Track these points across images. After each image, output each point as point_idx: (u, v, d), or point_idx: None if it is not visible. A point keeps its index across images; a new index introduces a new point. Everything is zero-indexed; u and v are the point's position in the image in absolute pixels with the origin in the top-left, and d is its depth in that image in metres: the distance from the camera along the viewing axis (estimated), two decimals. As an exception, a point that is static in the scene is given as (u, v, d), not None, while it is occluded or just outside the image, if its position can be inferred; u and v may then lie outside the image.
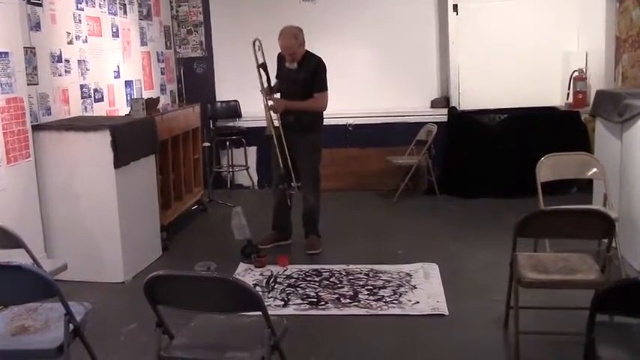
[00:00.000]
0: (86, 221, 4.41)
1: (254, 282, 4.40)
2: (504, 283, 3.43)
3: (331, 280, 4.41)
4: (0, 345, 2.53)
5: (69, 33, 5.00)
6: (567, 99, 6.98)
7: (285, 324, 2.57)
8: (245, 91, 7.11)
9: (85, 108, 5.24)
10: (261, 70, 5.01)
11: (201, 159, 6.58)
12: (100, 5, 5.55)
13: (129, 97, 6.02)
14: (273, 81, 5.17)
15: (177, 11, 7.47)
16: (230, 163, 7.36)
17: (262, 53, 5.02)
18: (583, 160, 4.42)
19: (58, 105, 4.81)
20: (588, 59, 6.86)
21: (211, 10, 7.49)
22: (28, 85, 4.34)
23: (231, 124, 7.43)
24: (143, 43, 6.54)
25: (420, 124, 6.97)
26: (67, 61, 4.96)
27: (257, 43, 4.98)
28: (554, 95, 7.16)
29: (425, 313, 3.81)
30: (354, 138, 7.27)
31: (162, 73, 7.09)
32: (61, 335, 2.50)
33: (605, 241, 3.25)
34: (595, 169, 4.33)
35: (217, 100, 7.52)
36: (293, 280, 4.44)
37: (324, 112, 5.15)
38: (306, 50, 5.02)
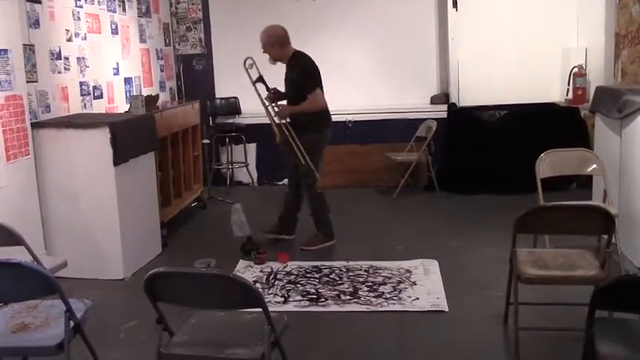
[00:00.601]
0: (86, 218, 4.41)
1: (254, 279, 4.40)
2: (504, 279, 3.44)
3: (331, 276, 4.41)
4: (0, 342, 2.53)
5: (68, 30, 4.99)
6: (567, 95, 6.97)
7: (286, 320, 2.57)
8: (244, 87, 7.07)
9: (85, 105, 5.23)
10: (257, 85, 5.01)
11: (200, 156, 6.58)
12: (99, 2, 5.55)
13: (128, 94, 6.01)
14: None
15: (176, 8, 7.46)
16: (229, 160, 7.36)
17: (256, 68, 5.01)
18: (583, 157, 4.42)
19: (58, 102, 4.80)
20: (588, 55, 6.86)
21: (210, 7, 7.48)
22: (27, 82, 4.34)
23: (230, 120, 7.43)
24: (142, 40, 6.53)
25: (420, 121, 6.97)
26: (67, 58, 4.96)
27: (248, 61, 4.96)
28: (553, 91, 7.16)
29: (425, 309, 3.81)
30: (353, 134, 7.27)
31: (162, 70, 7.09)
32: (61, 332, 2.50)
33: (605, 237, 3.25)
34: (594, 165, 4.33)
35: (217, 96, 7.52)
36: (293, 276, 4.44)
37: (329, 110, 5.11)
38: (296, 50, 5.00)
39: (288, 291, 4.17)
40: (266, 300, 3.48)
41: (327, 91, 6.70)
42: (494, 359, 3.23)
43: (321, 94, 4.93)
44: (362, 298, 4.01)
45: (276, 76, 5.13)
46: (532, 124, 6.62)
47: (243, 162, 7.39)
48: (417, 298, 3.97)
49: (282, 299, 4.04)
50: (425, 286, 4.17)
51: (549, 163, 4.27)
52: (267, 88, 5.05)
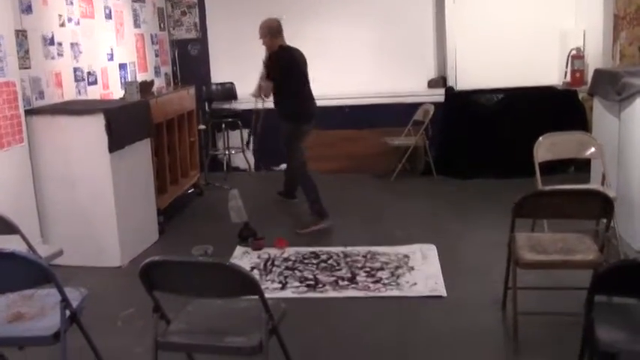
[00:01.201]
0: (82, 206, 4.39)
1: (251, 265, 4.39)
2: (502, 263, 3.43)
3: (329, 262, 4.40)
4: (-4, 332, 2.52)
5: (60, 15, 4.93)
6: (565, 78, 6.93)
7: (283, 307, 2.56)
8: (240, 72, 7.07)
9: (79, 91, 5.19)
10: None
11: (197, 142, 6.54)
12: (91, -13, 5.48)
13: (123, 80, 5.96)
14: None
15: (170, -8, 7.38)
16: (226, 146, 7.32)
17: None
18: (581, 140, 4.40)
19: (51, 89, 4.76)
20: (586, 37, 6.81)
21: (205, -9, 7.40)
22: (20, 68, 4.30)
23: (226, 106, 7.38)
24: (137, 25, 6.46)
25: (417, 105, 6.93)
26: (60, 44, 4.90)
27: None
28: (551, 74, 7.11)
29: (423, 294, 3.81)
30: (350, 119, 7.22)
31: (157, 56, 7.03)
32: (57, 322, 2.48)
33: (604, 221, 3.24)
34: (593, 149, 4.31)
35: (212, 82, 7.46)
36: (291, 262, 4.43)
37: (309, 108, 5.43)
38: (282, 45, 5.34)
39: (286, 277, 4.16)
40: (263, 286, 3.49)
41: (324, 75, 6.68)
42: (492, 344, 3.23)
43: (271, 86, 5.26)
44: (360, 284, 4.00)
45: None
46: (530, 107, 6.59)
47: (240, 147, 7.35)
48: (415, 284, 3.96)
49: (280, 285, 4.03)
50: (423, 271, 4.16)
51: (547, 147, 4.25)
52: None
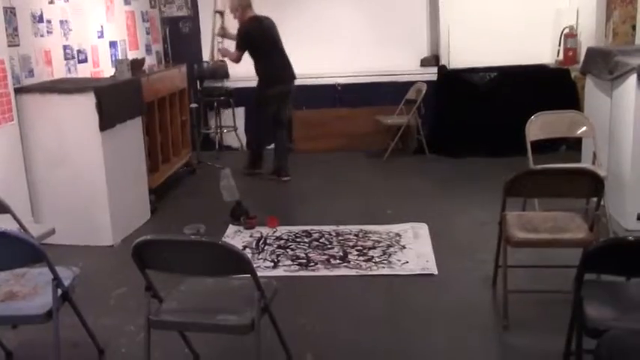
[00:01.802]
0: (73, 184, 4.37)
1: (244, 244, 4.40)
2: (493, 242, 3.45)
3: (321, 241, 4.41)
4: (-12, 311, 2.52)
5: (50, -8, 4.87)
6: (557, 56, 6.93)
7: (275, 285, 2.57)
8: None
9: (69, 69, 5.14)
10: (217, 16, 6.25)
11: (188, 120, 6.51)
12: (81, -37, 5.40)
13: (113, 58, 5.91)
14: None
15: (161, -32, 7.29)
16: (218, 125, 7.29)
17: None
18: (573, 119, 4.40)
19: (41, 67, 4.71)
20: (579, 16, 6.79)
21: (196, -32, 7.32)
22: (8, 46, 4.25)
23: (218, 84, 7.32)
24: (127, 2, 6.39)
25: (410, 84, 6.92)
26: (49, 21, 4.84)
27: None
28: (544, 52, 7.10)
29: (414, 272, 3.83)
30: (343, 98, 7.21)
31: (148, 33, 6.96)
32: (49, 300, 2.49)
33: (594, 199, 3.26)
34: (584, 128, 4.32)
35: (204, 60, 7.40)
36: (283, 241, 4.44)
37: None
38: (251, 16, 5.88)
39: (278, 256, 4.17)
40: (256, 265, 3.50)
41: (316, 53, 6.69)
42: (483, 322, 3.26)
43: (236, 54, 5.93)
44: (352, 262, 4.02)
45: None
46: (522, 86, 6.59)
47: (232, 126, 7.33)
48: (407, 262, 3.98)
49: (272, 264, 4.05)
50: (414, 249, 4.18)
51: (539, 126, 4.25)
52: (222, 24, 6.23)
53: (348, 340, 3.11)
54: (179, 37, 7.40)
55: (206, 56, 6.41)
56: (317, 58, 7.20)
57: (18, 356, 3.00)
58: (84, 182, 4.37)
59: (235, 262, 2.31)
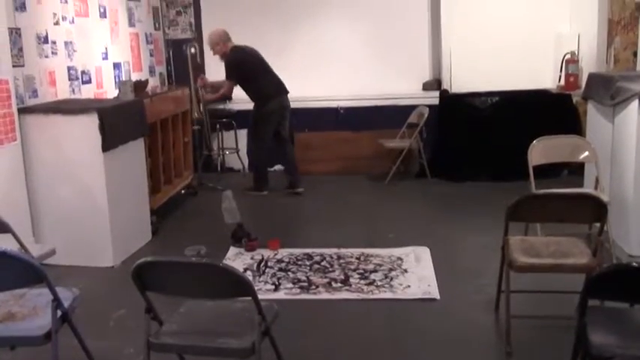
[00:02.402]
0: (75, 205, 4.36)
1: (245, 266, 4.38)
2: (496, 266, 3.43)
3: (322, 263, 4.39)
4: (-14, 332, 2.50)
5: (55, 13, 4.91)
6: (559, 81, 6.95)
7: (276, 309, 2.55)
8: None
9: (73, 90, 5.16)
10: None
11: (191, 142, 6.52)
12: (86, -15, 5.46)
13: (117, 80, 5.94)
14: None
15: (165, -8, 7.36)
16: (220, 146, 7.30)
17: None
18: (575, 144, 4.41)
19: (45, 87, 4.73)
20: (580, 41, 6.83)
21: (201, -9, 7.39)
22: (13, 66, 4.27)
23: (221, 106, 7.35)
24: (131, 24, 6.45)
25: (412, 107, 6.94)
26: (54, 42, 4.88)
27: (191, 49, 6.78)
28: (546, 78, 7.13)
29: (416, 297, 3.80)
30: (345, 121, 7.22)
31: (151, 55, 7.01)
32: (48, 321, 2.47)
33: (597, 225, 3.24)
34: (587, 153, 4.32)
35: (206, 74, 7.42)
36: (284, 264, 4.42)
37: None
38: (233, 46, 6.10)
39: (279, 278, 4.15)
40: (257, 288, 3.47)
41: (318, 76, 6.73)
42: (485, 347, 3.23)
43: (227, 85, 6.21)
44: (353, 286, 3.99)
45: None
46: (524, 110, 6.60)
47: (234, 148, 7.33)
48: (409, 286, 3.96)
49: (273, 287, 4.02)
50: (416, 273, 4.16)
51: (541, 150, 4.25)
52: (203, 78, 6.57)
53: (349, 365, 3.08)
54: (182, 59, 7.42)
55: (195, 112, 6.63)
56: (319, 81, 7.25)
57: (15, 378, 2.97)
58: (85, 202, 4.36)
59: (236, 285, 2.29)
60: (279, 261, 4.47)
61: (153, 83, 6.71)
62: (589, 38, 6.55)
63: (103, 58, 5.75)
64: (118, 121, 4.48)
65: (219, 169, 7.27)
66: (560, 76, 6.92)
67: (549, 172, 5.16)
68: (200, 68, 6.95)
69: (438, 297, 3.79)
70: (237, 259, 4.53)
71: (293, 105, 6.41)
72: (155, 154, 5.50)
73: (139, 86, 5.38)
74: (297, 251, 4.64)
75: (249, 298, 2.30)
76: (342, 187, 6.62)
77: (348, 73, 7.30)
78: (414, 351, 3.20)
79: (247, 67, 6.10)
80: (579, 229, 3.97)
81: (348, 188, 6.58)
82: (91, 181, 4.33)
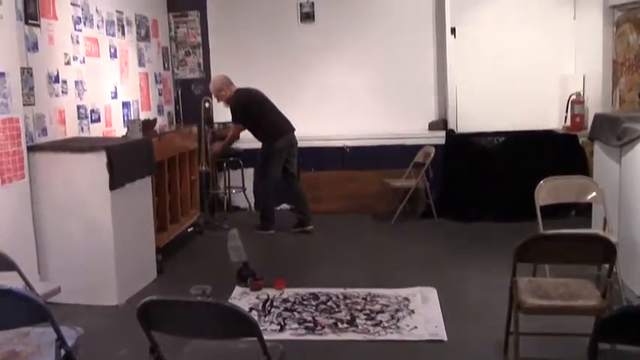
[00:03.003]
0: (81, 243, 4.36)
1: (250, 305, 4.34)
2: (504, 307, 3.39)
3: (328, 304, 4.35)
4: (-11, 371, 2.48)
5: (66, 54, 4.99)
6: (565, 122, 6.98)
7: (282, 350, 2.52)
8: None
9: (82, 128, 5.21)
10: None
11: (197, 181, 6.54)
12: (98, 26, 5.55)
13: (126, 118, 6.00)
14: None
15: (175, 33, 7.49)
16: (227, 185, 7.32)
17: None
18: (582, 184, 4.40)
19: (55, 125, 4.78)
20: (586, 82, 6.88)
21: (210, 32, 7.50)
22: (24, 105, 4.32)
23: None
24: (141, 64, 6.54)
25: (418, 147, 6.96)
26: (64, 81, 4.95)
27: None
28: (551, 118, 7.16)
29: (423, 338, 3.75)
30: (351, 160, 7.25)
31: (160, 94, 7.09)
32: (52, 361, 2.44)
33: (606, 266, 3.21)
34: (594, 193, 4.31)
35: (215, 121, 7.49)
36: (289, 303, 4.38)
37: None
38: (236, 90, 6.22)
39: (285, 319, 4.11)
40: (262, 328, 3.43)
41: (325, 116, 6.77)
42: (494, 390, 3.17)
43: (235, 129, 6.33)
44: (359, 327, 3.95)
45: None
46: (530, 151, 6.62)
47: (241, 187, 7.35)
48: (416, 327, 3.91)
49: (279, 327, 3.98)
50: (423, 314, 4.11)
51: (548, 191, 4.24)
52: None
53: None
54: (191, 99, 7.52)
55: (202, 166, 6.74)
56: (326, 120, 7.31)
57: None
58: (91, 240, 4.36)
59: (242, 325, 2.27)
60: (285, 301, 4.44)
61: (161, 122, 6.78)
62: (594, 79, 6.59)
63: (113, 97, 5.82)
64: (126, 160, 4.51)
65: (225, 207, 7.27)
66: (566, 117, 6.95)
67: (557, 212, 5.15)
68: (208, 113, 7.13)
69: (446, 338, 3.74)
70: (242, 299, 4.49)
71: (300, 144, 6.45)
72: (162, 193, 5.51)
73: (148, 125, 5.43)
74: (303, 291, 4.60)
75: (255, 338, 2.28)
76: (348, 226, 6.60)
77: (354, 112, 7.36)
78: (421, 394, 3.14)
79: (253, 108, 6.20)
80: (588, 270, 3.93)
81: (355, 227, 6.56)
82: (97, 219, 4.34)
